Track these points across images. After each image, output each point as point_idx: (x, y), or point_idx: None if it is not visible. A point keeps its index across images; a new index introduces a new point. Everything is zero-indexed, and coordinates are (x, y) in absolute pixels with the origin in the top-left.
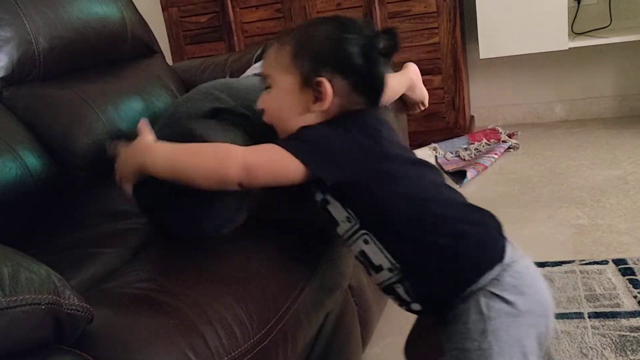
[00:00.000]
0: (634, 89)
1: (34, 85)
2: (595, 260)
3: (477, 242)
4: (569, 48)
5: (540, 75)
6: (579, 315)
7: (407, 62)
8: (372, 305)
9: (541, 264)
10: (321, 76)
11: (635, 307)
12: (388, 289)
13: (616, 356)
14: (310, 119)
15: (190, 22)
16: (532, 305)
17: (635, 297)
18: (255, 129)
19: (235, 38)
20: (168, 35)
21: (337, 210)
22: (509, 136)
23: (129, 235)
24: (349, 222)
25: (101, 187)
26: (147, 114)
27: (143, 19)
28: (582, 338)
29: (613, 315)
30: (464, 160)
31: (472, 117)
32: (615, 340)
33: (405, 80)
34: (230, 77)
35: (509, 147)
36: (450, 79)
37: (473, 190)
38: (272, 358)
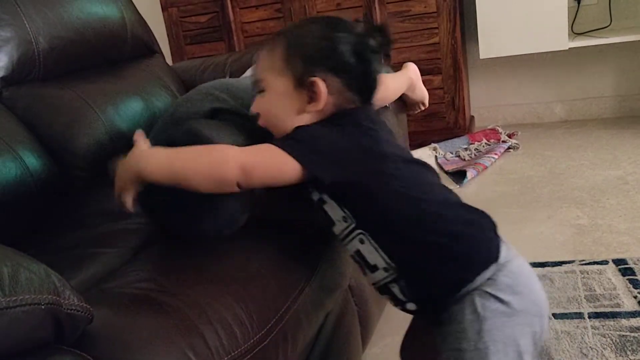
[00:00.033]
0: (634, 89)
1: (34, 85)
2: (595, 260)
3: (472, 242)
4: (569, 48)
5: (540, 76)
6: (579, 316)
7: (407, 62)
8: (372, 305)
9: (541, 264)
10: (314, 76)
11: (636, 307)
12: (383, 289)
13: (616, 356)
14: (306, 119)
15: (190, 22)
16: (527, 304)
17: (635, 297)
18: (255, 130)
19: (235, 38)
20: (168, 35)
21: (333, 210)
22: (509, 136)
23: (129, 235)
24: (345, 221)
25: (101, 187)
26: (147, 114)
27: (143, 19)
28: (582, 338)
29: (613, 315)
30: (464, 160)
31: (472, 117)
32: (616, 341)
33: (404, 80)
34: (230, 77)
35: (509, 147)
36: (450, 79)
37: (473, 190)
38: (272, 358)
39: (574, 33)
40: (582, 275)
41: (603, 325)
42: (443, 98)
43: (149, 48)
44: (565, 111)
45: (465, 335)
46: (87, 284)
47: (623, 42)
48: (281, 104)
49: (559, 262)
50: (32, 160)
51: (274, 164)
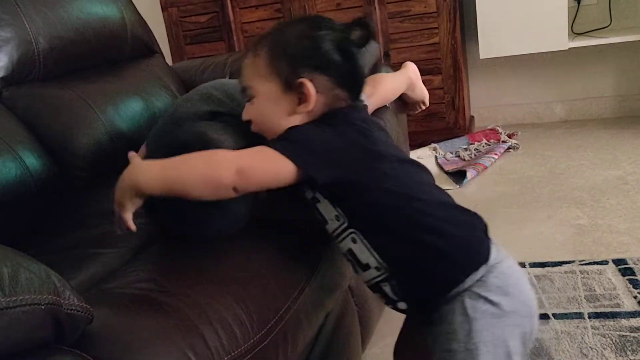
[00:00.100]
0: (634, 89)
1: (34, 86)
2: (595, 260)
3: (462, 243)
4: (569, 48)
5: (540, 76)
6: (579, 316)
7: (406, 62)
8: (372, 306)
9: (541, 264)
10: (301, 77)
11: (635, 307)
12: (375, 287)
13: (616, 356)
14: (298, 120)
15: (190, 22)
16: (516, 305)
17: (635, 297)
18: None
19: (235, 38)
20: (168, 35)
21: (326, 209)
22: (509, 136)
23: (129, 235)
24: (338, 220)
25: (101, 187)
26: (147, 114)
27: (143, 19)
28: (582, 338)
29: (613, 315)
30: (464, 160)
31: (472, 117)
32: (615, 341)
33: (404, 80)
34: (230, 77)
35: (509, 147)
36: (450, 79)
37: (473, 191)
38: (272, 358)
39: (574, 33)
40: (582, 276)
41: (603, 325)
42: (443, 98)
43: (149, 48)
44: (565, 111)
45: (455, 336)
46: (87, 284)
47: (623, 42)
48: (271, 109)
49: (559, 262)
50: (32, 160)
51: (270, 166)
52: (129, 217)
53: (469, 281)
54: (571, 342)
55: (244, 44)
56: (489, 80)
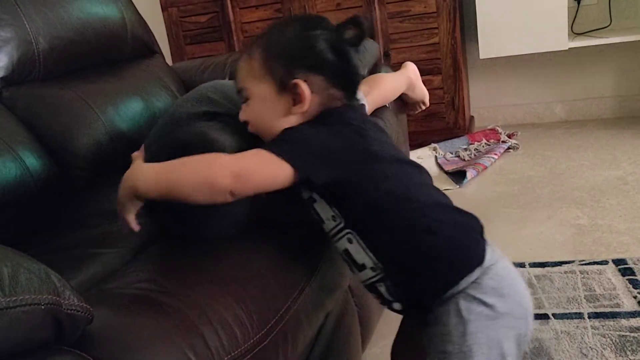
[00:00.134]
0: (634, 89)
1: (34, 86)
2: (595, 260)
3: (459, 245)
4: (569, 48)
5: (540, 76)
6: (578, 316)
7: (406, 61)
8: (372, 306)
9: (541, 264)
10: (295, 78)
11: (635, 308)
12: (371, 287)
13: (616, 356)
14: (293, 121)
15: (190, 22)
16: (511, 307)
17: (635, 297)
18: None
19: (235, 38)
20: (168, 35)
21: (323, 209)
22: (509, 136)
23: (129, 235)
24: (334, 220)
25: (101, 187)
26: (147, 114)
27: (143, 19)
28: (582, 338)
29: (613, 315)
30: (464, 160)
31: (471, 117)
32: (615, 341)
33: (403, 80)
34: (229, 78)
35: (509, 148)
36: (450, 79)
37: (473, 191)
38: (272, 358)
39: (573, 33)
40: (582, 276)
41: (603, 326)
42: (443, 98)
43: (149, 48)
44: (565, 111)
45: (449, 338)
46: (87, 284)
47: (623, 42)
48: (267, 110)
49: (559, 262)
50: (32, 161)
51: (267, 169)
52: (131, 218)
53: (464, 283)
54: (571, 342)
55: (244, 44)
56: (489, 80)
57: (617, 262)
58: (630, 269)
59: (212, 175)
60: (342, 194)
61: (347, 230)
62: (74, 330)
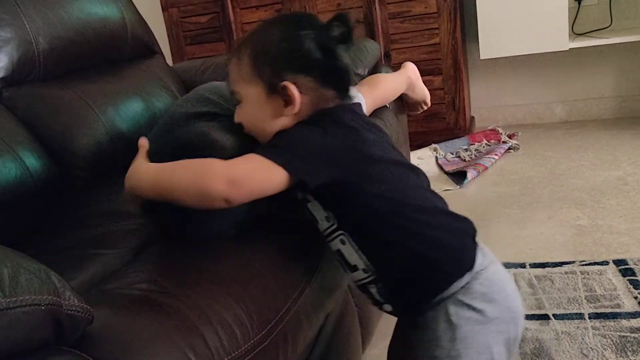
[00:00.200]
0: (634, 89)
1: (34, 86)
2: (596, 261)
3: (450, 250)
4: (570, 49)
5: (540, 76)
6: (579, 316)
7: (405, 61)
8: (372, 306)
9: (541, 265)
10: (284, 80)
11: (636, 308)
12: (362, 288)
13: (617, 357)
14: (286, 122)
15: (191, 22)
16: (501, 312)
17: (635, 297)
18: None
19: (235, 38)
20: (168, 35)
21: (317, 210)
22: (509, 137)
23: (129, 235)
24: (328, 221)
25: (101, 187)
26: (147, 115)
27: (143, 19)
28: (583, 339)
29: (613, 316)
30: (465, 160)
31: (472, 117)
32: (616, 341)
33: (403, 80)
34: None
35: (509, 148)
36: (450, 80)
37: (473, 191)
38: (273, 359)
39: (574, 33)
40: (583, 276)
41: (603, 326)
42: (443, 99)
43: (149, 48)
44: (566, 112)
45: (438, 342)
46: (88, 284)
47: (623, 43)
48: (259, 112)
49: (560, 262)
50: (32, 161)
51: (262, 175)
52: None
53: (453, 288)
54: (571, 342)
55: (233, 46)
56: (490, 80)
57: (618, 262)
58: (630, 269)
59: (206, 183)
60: (335, 196)
61: (340, 232)
62: (74, 330)
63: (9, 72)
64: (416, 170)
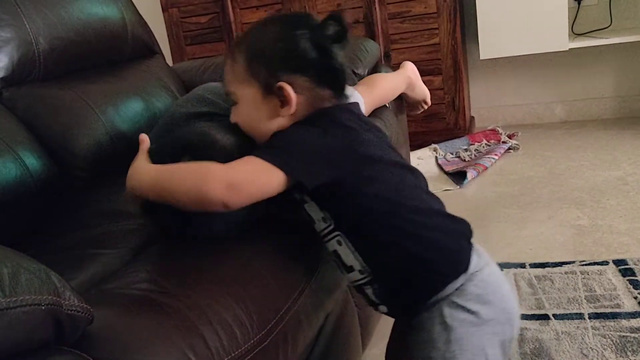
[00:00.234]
0: (634, 90)
1: (34, 86)
2: (596, 261)
3: (445, 251)
4: (569, 49)
5: (540, 76)
6: (579, 316)
7: (404, 61)
8: None
9: (541, 265)
10: (280, 80)
11: (636, 308)
12: (358, 289)
13: (616, 357)
14: (283, 122)
15: (191, 22)
16: (496, 313)
17: (635, 297)
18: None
19: (235, 39)
20: (168, 35)
21: (314, 210)
22: (509, 137)
23: (129, 235)
24: (325, 222)
25: (101, 187)
26: (147, 115)
27: (143, 19)
28: (583, 339)
29: (613, 316)
30: (464, 161)
31: (472, 117)
32: (616, 341)
33: (402, 79)
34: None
35: (509, 148)
36: (450, 80)
37: (473, 191)
38: (272, 358)
39: (574, 34)
40: (583, 276)
41: (603, 326)
42: (443, 99)
43: (150, 49)
44: (565, 112)
45: (434, 344)
46: (87, 284)
47: (623, 43)
48: (255, 113)
49: (559, 262)
50: (32, 161)
51: (259, 177)
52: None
53: (448, 290)
54: (571, 342)
55: (228, 47)
56: (489, 80)
57: (618, 262)
58: (630, 269)
59: (204, 188)
60: (332, 196)
61: (337, 233)
62: (74, 330)
63: (9, 72)
64: (414, 171)
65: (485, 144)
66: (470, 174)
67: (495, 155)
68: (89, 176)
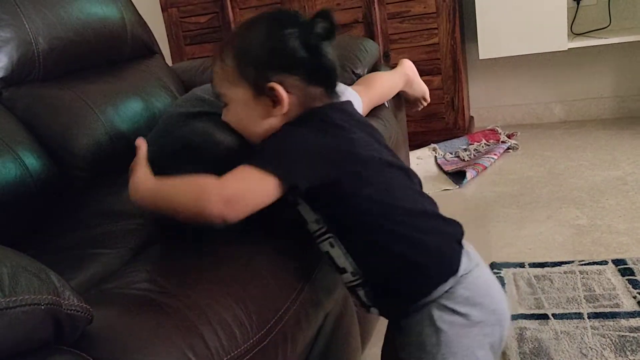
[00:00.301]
0: (633, 89)
1: (34, 86)
2: (595, 260)
3: (437, 254)
4: (568, 49)
5: (539, 76)
6: (578, 316)
7: (402, 59)
8: None
9: (540, 264)
10: (271, 81)
11: (635, 308)
12: (351, 290)
13: (616, 356)
14: (274, 122)
15: (190, 22)
16: (486, 315)
17: (634, 297)
18: None
19: None
20: (168, 35)
21: (306, 212)
22: (508, 137)
23: (129, 235)
24: (317, 224)
25: (101, 187)
26: (147, 115)
27: (143, 19)
28: (582, 338)
29: (612, 315)
30: (464, 160)
31: (471, 117)
32: (615, 341)
33: (400, 77)
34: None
35: (508, 148)
36: (449, 80)
37: (472, 191)
38: (272, 358)
39: (573, 34)
40: (582, 276)
41: (602, 326)
42: (442, 98)
43: (149, 48)
44: (565, 112)
45: (423, 347)
46: (87, 284)
47: (622, 43)
48: (246, 113)
49: (559, 262)
50: (31, 161)
51: (256, 188)
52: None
53: (437, 293)
54: (571, 342)
55: (216, 47)
56: (489, 80)
57: (617, 262)
58: (629, 269)
59: (202, 205)
60: (324, 198)
61: (329, 235)
62: (73, 330)
63: (8, 72)
64: (407, 171)
65: (485, 143)
66: (469, 174)
67: (495, 155)
68: (89, 176)
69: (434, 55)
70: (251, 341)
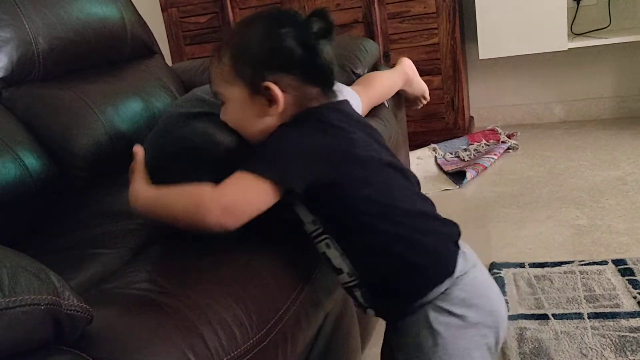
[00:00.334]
0: (633, 89)
1: (34, 86)
2: (595, 260)
3: (433, 256)
4: (568, 49)
5: (539, 76)
6: (578, 316)
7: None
8: None
9: (540, 265)
10: (266, 80)
11: (635, 308)
12: (348, 291)
13: (616, 357)
14: (271, 121)
15: (190, 22)
16: (482, 316)
17: (634, 297)
18: None
19: None
20: (168, 35)
21: (303, 213)
22: (508, 137)
23: (129, 235)
24: (314, 224)
25: (101, 187)
26: (147, 115)
27: (142, 19)
28: (582, 338)
29: (613, 315)
30: (464, 160)
31: (471, 117)
32: (615, 341)
33: (399, 76)
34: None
35: (508, 148)
36: (449, 80)
37: (472, 191)
38: (272, 358)
39: (573, 34)
40: (582, 276)
41: (603, 326)
42: (442, 98)
43: (149, 48)
44: (565, 112)
45: (420, 348)
46: (87, 284)
47: (622, 43)
48: (242, 113)
49: (559, 262)
50: (31, 161)
51: (252, 195)
52: None
53: (432, 294)
54: (571, 342)
55: (213, 47)
56: (489, 80)
57: (617, 262)
58: (629, 269)
59: (199, 214)
60: (320, 199)
61: (326, 236)
62: (73, 330)
63: (8, 72)
64: (405, 172)
65: (485, 143)
66: (469, 174)
67: (495, 155)
68: (89, 176)
69: (434, 55)
70: (251, 341)
